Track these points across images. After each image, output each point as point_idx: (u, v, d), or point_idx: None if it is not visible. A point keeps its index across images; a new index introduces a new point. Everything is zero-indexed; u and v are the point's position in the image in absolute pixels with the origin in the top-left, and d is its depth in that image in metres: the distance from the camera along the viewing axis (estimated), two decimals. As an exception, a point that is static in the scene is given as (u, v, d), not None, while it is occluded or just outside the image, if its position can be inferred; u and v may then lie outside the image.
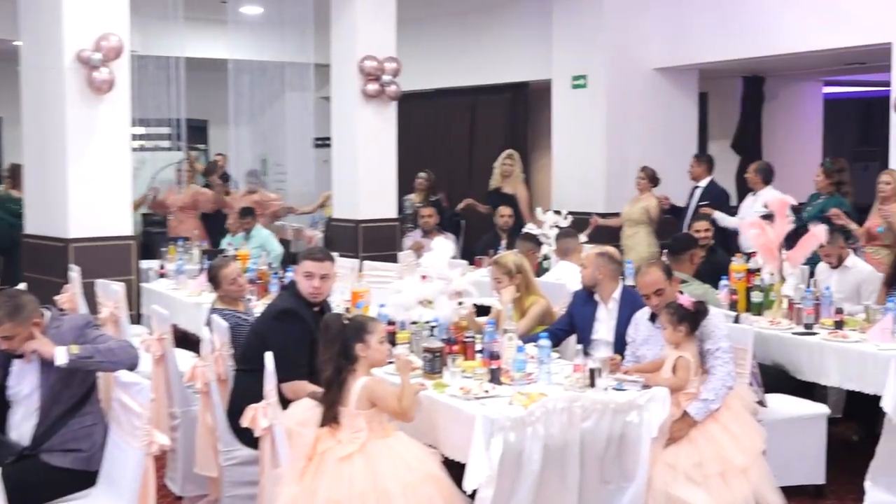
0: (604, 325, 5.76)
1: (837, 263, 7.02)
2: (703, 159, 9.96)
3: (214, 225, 10.93)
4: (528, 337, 5.57)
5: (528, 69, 12.57)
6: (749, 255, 6.99)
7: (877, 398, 5.29)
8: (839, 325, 5.95)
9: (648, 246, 9.77)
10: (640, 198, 10.06)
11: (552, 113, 11.90)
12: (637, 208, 9.98)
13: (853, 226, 7.76)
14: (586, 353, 4.95)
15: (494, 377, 4.74)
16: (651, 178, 10.02)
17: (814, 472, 5.44)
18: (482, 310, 6.14)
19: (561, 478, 4.32)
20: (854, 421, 6.47)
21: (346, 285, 6.91)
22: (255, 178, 11.61)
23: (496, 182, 10.95)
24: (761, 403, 5.29)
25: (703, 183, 9.79)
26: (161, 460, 5.33)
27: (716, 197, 9.70)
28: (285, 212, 11.85)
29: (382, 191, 10.22)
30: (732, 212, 9.50)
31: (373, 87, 9.92)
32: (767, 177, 9.32)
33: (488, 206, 10.99)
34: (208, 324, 5.41)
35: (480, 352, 5.16)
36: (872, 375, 5.41)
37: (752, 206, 9.14)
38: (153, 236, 11.39)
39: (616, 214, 10.39)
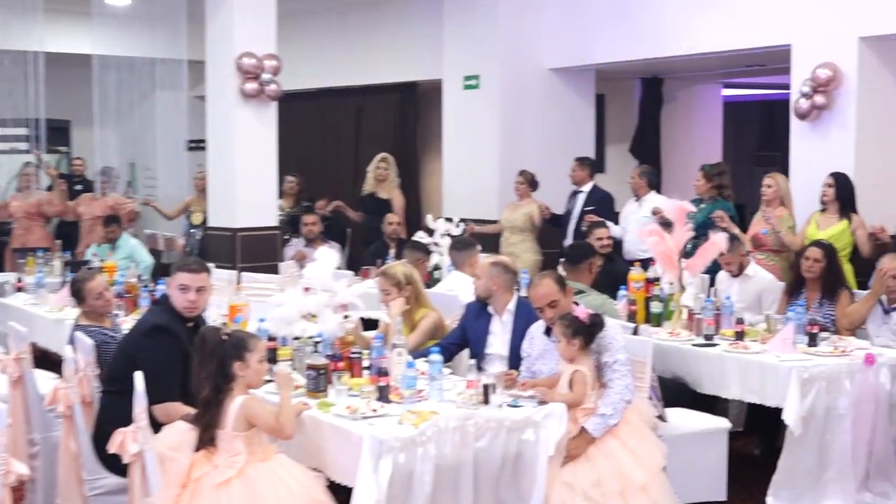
0: (498, 338, 5.81)
1: (738, 272, 7.23)
2: (586, 163, 10.10)
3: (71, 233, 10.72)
4: (419, 352, 5.59)
5: (418, 68, 12.62)
6: (647, 264, 7.14)
7: (778, 411, 5.47)
8: (740, 335, 6.13)
9: (534, 254, 9.91)
10: (521, 203, 10.20)
11: (443, 115, 11.97)
12: (520, 214, 10.10)
13: (736, 230, 7.99)
14: (480, 369, 4.99)
15: (383, 395, 4.75)
16: (531, 183, 10.17)
17: (715, 487, 5.57)
18: (369, 324, 6.14)
19: (454, 500, 4.35)
20: (755, 435, 6.66)
21: (223, 299, 6.83)
22: (107, 178, 11.22)
23: (370, 187, 10.90)
24: (661, 418, 5.40)
25: (587, 188, 9.96)
26: (19, 492, 5.18)
27: (601, 202, 9.88)
28: (134, 215, 11.35)
29: (262, 197, 10.14)
30: (617, 218, 9.66)
31: (251, 86, 9.84)
32: (653, 181, 9.54)
33: (360, 212, 10.99)
34: (71, 342, 5.31)
35: (368, 368, 5.16)
36: (773, 387, 5.59)
37: (636, 213, 9.35)
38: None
39: (495, 221, 10.50)
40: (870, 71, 8.62)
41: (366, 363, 5.21)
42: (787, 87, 9.29)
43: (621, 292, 6.75)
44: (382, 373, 4.85)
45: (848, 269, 7.56)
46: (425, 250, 8.46)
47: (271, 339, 5.49)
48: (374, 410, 4.55)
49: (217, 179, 10.29)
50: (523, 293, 6.09)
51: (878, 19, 8.48)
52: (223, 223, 10.18)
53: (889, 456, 5.71)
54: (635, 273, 6.81)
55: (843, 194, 7.96)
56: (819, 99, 8.65)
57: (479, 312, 5.94)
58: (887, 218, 7.97)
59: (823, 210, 8.05)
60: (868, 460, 5.65)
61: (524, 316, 5.65)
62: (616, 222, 9.40)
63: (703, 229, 7.77)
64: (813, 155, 8.78)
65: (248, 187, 10.04)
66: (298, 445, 4.46)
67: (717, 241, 6.81)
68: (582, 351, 4.95)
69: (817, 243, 6.99)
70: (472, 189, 11.41)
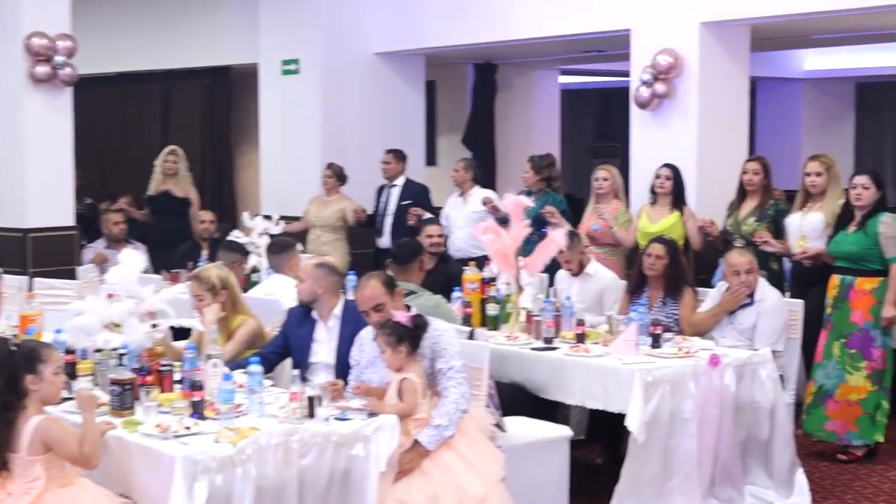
0: (323, 346, 5.80)
1: (578, 270, 7.40)
2: (400, 155, 10.22)
3: None
4: (237, 362, 5.54)
5: (231, 51, 12.49)
6: (482, 263, 7.24)
7: (621, 417, 5.62)
8: (581, 338, 6.28)
9: (345, 255, 9.93)
10: (330, 199, 10.25)
11: (259, 102, 11.88)
12: (332, 211, 10.15)
13: (567, 226, 8.21)
14: (304, 379, 4.98)
15: (197, 411, 4.69)
16: (339, 176, 10.23)
17: (556, 498, 5.69)
18: (181, 333, 6.05)
19: (277, 524, 4.33)
20: (598, 442, 6.83)
21: (13, 308, 6.63)
22: None
23: (158, 183, 10.62)
24: (499, 427, 5.49)
25: (400, 182, 10.08)
26: None
27: (418, 196, 10.00)
28: None
29: (56, 194, 9.83)
30: (437, 211, 9.78)
31: (43, 69, 9.54)
32: (478, 175, 9.70)
33: (145, 211, 10.78)
34: None
35: (180, 382, 5.09)
36: (616, 392, 5.74)
37: (460, 209, 9.49)
38: None
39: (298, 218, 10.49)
40: (711, 57, 8.95)
41: (177, 376, 5.14)
42: (626, 74, 9.56)
43: (455, 293, 6.82)
44: (196, 386, 4.78)
45: (685, 263, 7.79)
46: (242, 251, 8.38)
47: (69, 351, 5.35)
48: (188, 428, 4.49)
49: (4, 174, 9.95)
50: (350, 296, 6.10)
51: (719, 4, 8.82)
52: (12, 223, 9.84)
53: (734, 461, 5.94)
54: (470, 273, 6.90)
55: (678, 186, 8.27)
56: (660, 87, 8.94)
57: (302, 318, 5.92)
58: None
59: (653, 202, 8.32)
60: (714, 466, 5.86)
61: (352, 321, 5.65)
62: (435, 216, 9.45)
63: (535, 225, 7.93)
64: (654, 145, 9.08)
65: (40, 183, 9.72)
66: (103, 469, 4.36)
67: (557, 238, 6.95)
68: (409, 358, 4.98)
69: (659, 239, 7.19)
70: (292, 183, 11.34)
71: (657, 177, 8.30)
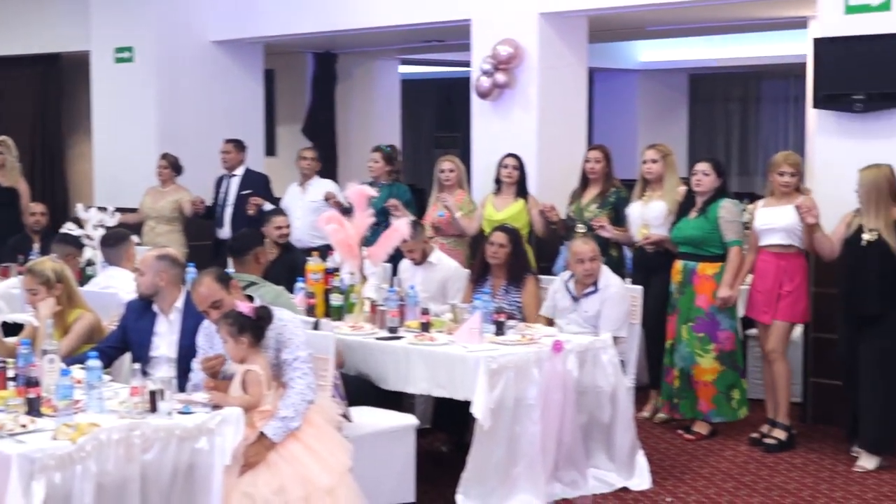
0: (165, 339, 5.71)
1: (421, 259, 7.45)
2: (240, 145, 10.15)
3: None
4: (74, 358, 5.43)
5: (62, 38, 12.18)
6: (325, 253, 7.23)
7: (466, 404, 5.69)
8: (425, 327, 6.33)
9: (182, 246, 9.79)
10: (166, 190, 10.14)
11: (92, 91, 11.62)
12: (167, 202, 10.05)
13: (410, 217, 8.28)
14: (145, 373, 4.90)
15: (33, 408, 4.57)
16: (174, 167, 10.15)
17: (403, 488, 5.73)
18: (13, 328, 5.90)
19: (120, 522, 4.26)
20: (443, 431, 6.89)
21: None
22: None
23: None
24: (346, 417, 5.50)
25: (240, 171, 10.04)
26: None
27: (258, 186, 9.97)
28: None
29: None
30: (277, 201, 9.75)
31: None
32: (318, 166, 9.72)
33: None
34: None
35: (14, 379, 4.95)
36: (461, 380, 5.80)
37: (300, 197, 9.50)
38: None
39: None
40: (550, 48, 9.08)
41: (11, 373, 4.99)
42: (467, 64, 9.64)
43: (299, 284, 6.80)
44: (32, 383, 4.65)
45: (528, 251, 7.93)
46: (77, 244, 8.18)
47: None
48: (24, 426, 4.37)
49: None
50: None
51: (559, -6, 8.96)
52: None
53: (577, 444, 6.07)
54: (313, 263, 6.88)
55: (523, 175, 8.39)
56: (500, 77, 9.04)
57: (141, 311, 5.81)
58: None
59: (497, 192, 8.44)
60: (557, 450, 5.97)
61: (193, 314, 5.56)
62: (276, 206, 9.43)
63: (381, 216, 7.96)
64: (495, 134, 9.17)
65: None
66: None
67: (400, 228, 6.99)
68: (252, 348, 4.95)
69: (502, 228, 7.30)
70: (127, 174, 11.12)
71: (504, 166, 8.40)
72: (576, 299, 6.87)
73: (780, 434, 7.08)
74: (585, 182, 8.10)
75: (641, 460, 6.35)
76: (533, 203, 8.35)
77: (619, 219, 7.85)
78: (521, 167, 8.39)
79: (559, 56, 9.15)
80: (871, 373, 6.63)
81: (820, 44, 7.58)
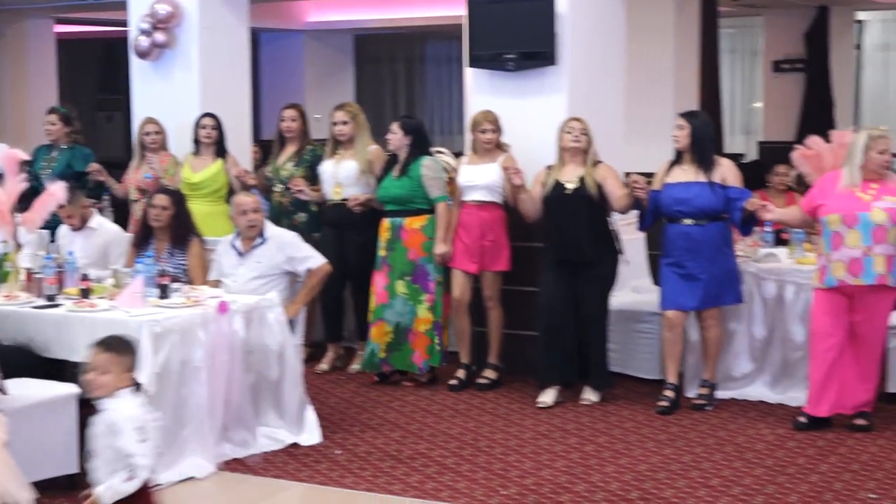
0: None
1: (81, 225, 7.25)
2: None
3: None
4: None
5: None
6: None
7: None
8: (86, 293, 6.17)
9: None
10: None
11: None
12: None
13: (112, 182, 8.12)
14: None
15: None
16: None
17: (66, 459, 5.56)
18: None
19: None
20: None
21: None
22: None
23: None
24: (1, 390, 5.30)
25: None
26: None
27: None
28: None
29: None
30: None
31: None
32: None
33: None
34: None
35: None
36: (126, 344, 5.70)
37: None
38: None
39: None
40: (210, 7, 8.92)
41: None
42: (126, 23, 9.35)
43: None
44: None
45: (223, 211, 7.87)
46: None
47: None
48: None
49: None
50: None
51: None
52: None
53: (246, 404, 6.09)
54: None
55: (221, 135, 8.31)
56: (159, 36, 8.82)
57: None
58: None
59: (196, 152, 8.33)
60: (226, 411, 5.96)
61: None
62: None
63: (68, 178, 7.70)
64: (156, 96, 8.95)
65: None
66: None
67: (56, 192, 6.77)
68: None
69: (164, 190, 7.22)
70: None
71: (202, 127, 8.29)
72: (242, 255, 6.84)
73: (492, 374, 7.46)
74: (283, 141, 8.21)
75: (311, 415, 6.44)
76: (232, 163, 8.26)
77: (315, 177, 7.97)
78: (219, 127, 8.28)
79: (219, 16, 9.02)
80: (596, 315, 7.05)
81: (473, 4, 7.83)
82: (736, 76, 18.11)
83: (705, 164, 6.82)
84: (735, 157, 12.94)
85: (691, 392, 7.11)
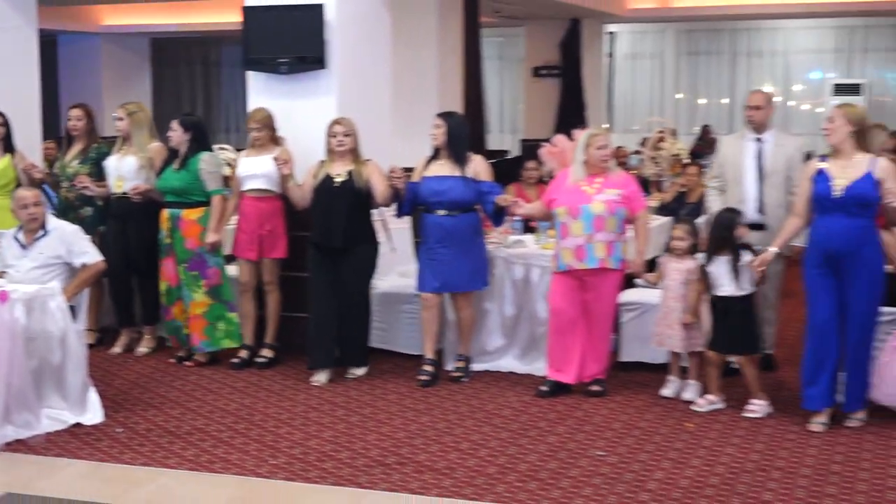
0: None
1: None
2: None
3: None
4: None
5: None
6: None
7: None
8: None
9: None
10: None
11: None
12: None
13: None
14: None
15: None
16: None
17: None
18: None
19: None
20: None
21: None
22: None
23: None
24: None
25: None
26: None
27: None
28: None
29: None
30: None
31: None
32: None
33: None
34: None
35: None
36: None
37: None
38: None
39: None
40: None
41: None
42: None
43: None
44: None
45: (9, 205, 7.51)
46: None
47: None
48: None
49: None
50: None
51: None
52: None
53: (28, 388, 5.89)
54: None
55: (9, 131, 7.92)
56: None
57: None
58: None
59: None
60: (8, 394, 5.76)
61: None
62: None
63: None
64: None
65: None
66: None
67: None
68: None
69: None
70: None
71: None
72: (25, 247, 6.58)
73: (269, 353, 7.45)
74: (70, 139, 7.99)
75: (93, 396, 6.28)
76: (20, 158, 7.92)
77: (101, 173, 7.75)
78: (6, 124, 7.88)
79: (6, 17, 8.70)
80: (356, 299, 7.09)
81: (249, 11, 7.75)
82: (504, 80, 18.50)
83: (459, 159, 6.94)
84: (500, 154, 13.27)
85: (450, 365, 7.24)
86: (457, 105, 10.43)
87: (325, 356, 7.08)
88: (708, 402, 6.39)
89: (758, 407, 6.28)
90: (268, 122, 7.34)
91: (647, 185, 10.02)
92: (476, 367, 7.27)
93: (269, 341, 7.49)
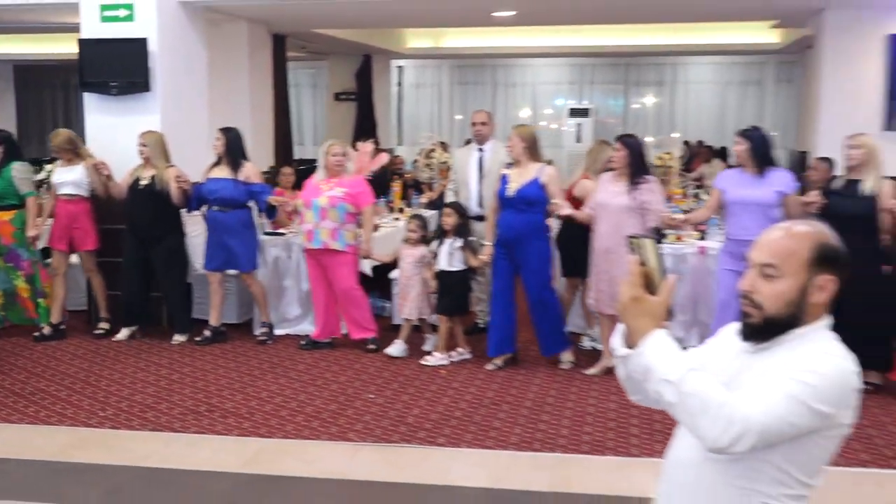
0: None
1: None
2: None
3: None
4: None
5: None
6: None
7: None
8: None
9: None
10: None
11: None
12: None
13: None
14: None
15: None
16: None
17: None
18: None
19: None
20: None
21: None
22: None
23: None
24: None
25: None
26: None
27: None
28: None
29: None
30: None
31: None
32: None
33: None
34: None
35: None
36: None
37: None
38: None
39: None
40: None
41: None
42: None
43: None
44: None
45: None
46: None
47: None
48: None
49: None
50: None
51: None
52: None
53: None
54: None
55: None
56: None
57: None
58: None
59: None
60: None
61: None
62: None
63: None
64: None
65: None
66: None
67: None
68: None
69: None
70: None
71: None
72: None
73: (105, 325, 7.19)
74: None
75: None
76: None
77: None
78: None
79: None
80: (167, 279, 6.97)
81: (84, 44, 7.44)
82: (316, 103, 18.33)
83: (233, 165, 6.88)
84: (309, 162, 13.18)
85: (257, 331, 7.16)
86: (268, 124, 10.30)
87: (128, 317, 7.06)
88: (436, 359, 6.40)
89: (458, 354, 6.44)
90: (63, 145, 7.08)
91: (419, 186, 10.15)
92: (279, 331, 7.20)
93: (103, 315, 7.22)
